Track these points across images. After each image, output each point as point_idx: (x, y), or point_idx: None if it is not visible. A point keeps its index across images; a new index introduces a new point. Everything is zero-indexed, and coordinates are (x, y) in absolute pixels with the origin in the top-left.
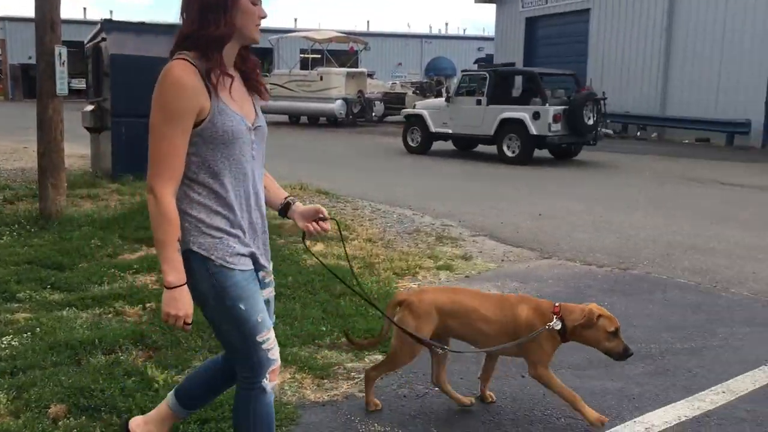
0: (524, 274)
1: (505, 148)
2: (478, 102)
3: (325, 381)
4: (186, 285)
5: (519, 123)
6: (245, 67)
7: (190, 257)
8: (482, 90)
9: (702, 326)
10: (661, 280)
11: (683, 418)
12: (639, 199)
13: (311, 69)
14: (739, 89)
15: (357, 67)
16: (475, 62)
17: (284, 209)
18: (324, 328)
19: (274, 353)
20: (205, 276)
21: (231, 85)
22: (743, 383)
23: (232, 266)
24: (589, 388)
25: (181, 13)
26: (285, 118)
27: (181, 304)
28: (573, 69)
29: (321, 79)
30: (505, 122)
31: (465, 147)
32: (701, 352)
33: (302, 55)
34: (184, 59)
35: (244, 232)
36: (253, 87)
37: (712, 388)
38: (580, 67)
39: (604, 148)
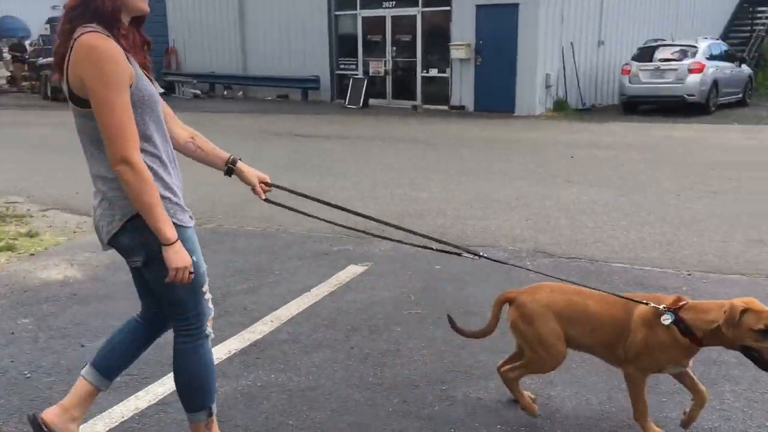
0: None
1: None
2: None
3: None
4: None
5: None
6: (135, 46)
7: (140, 220)
8: None
9: (261, 266)
10: (231, 231)
11: (234, 351)
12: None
13: None
14: (306, 48)
15: None
16: (47, 22)
17: (230, 169)
18: None
19: (210, 303)
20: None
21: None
22: (289, 310)
23: (182, 224)
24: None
25: None
26: None
27: (184, 255)
28: (157, 29)
29: None
30: None
31: None
32: (258, 289)
33: None
34: (95, 31)
35: (178, 190)
36: (144, 65)
37: (263, 319)
38: (162, 27)
39: (192, 109)
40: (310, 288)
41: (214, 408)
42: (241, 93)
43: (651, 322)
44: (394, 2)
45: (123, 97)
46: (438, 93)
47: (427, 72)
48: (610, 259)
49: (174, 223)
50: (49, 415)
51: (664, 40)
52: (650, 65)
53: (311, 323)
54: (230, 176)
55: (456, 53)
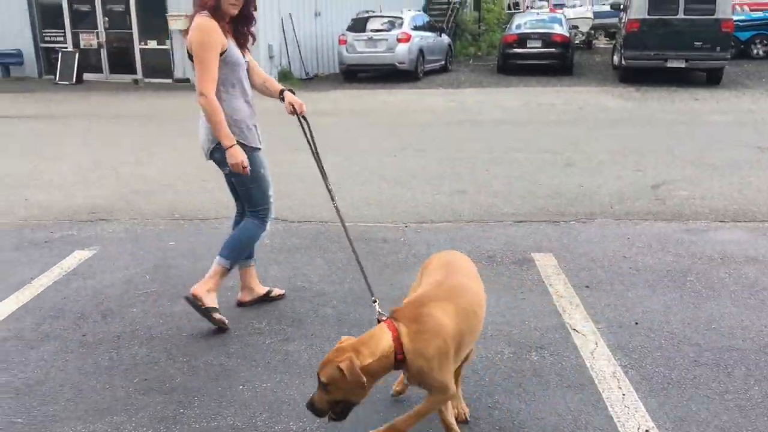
0: None
1: None
2: None
3: None
4: (237, 144)
5: None
6: (237, 33)
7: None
8: None
9: None
10: None
11: None
12: None
13: None
14: (2, 19)
15: None
16: None
17: (282, 97)
18: None
19: (273, 207)
20: (246, 155)
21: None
22: (8, 306)
23: (254, 145)
24: None
25: None
26: None
27: (240, 155)
28: None
29: None
30: None
31: None
32: None
33: None
34: (208, 16)
35: (255, 122)
36: (241, 44)
37: None
38: None
39: None
40: (30, 280)
41: (233, 269)
42: None
43: None
44: None
45: (210, 53)
46: (160, 66)
47: (146, 44)
48: (338, 219)
49: (246, 145)
50: (198, 291)
51: (374, 11)
52: (364, 35)
53: (35, 316)
54: (283, 100)
55: (175, 24)
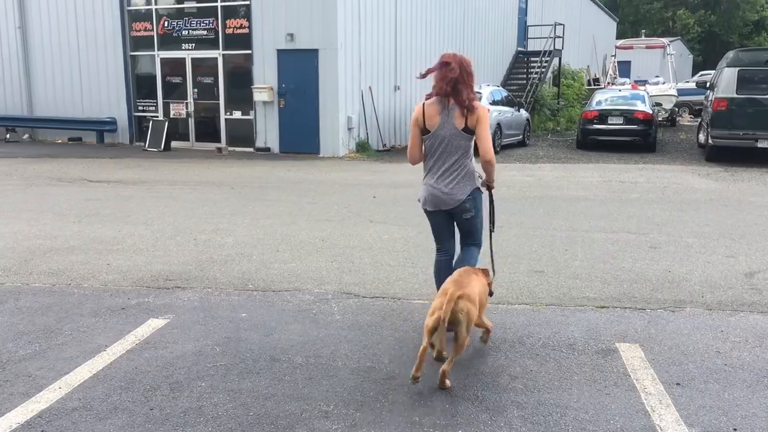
0: None
1: None
2: None
3: None
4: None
5: None
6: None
7: (475, 192)
8: None
9: (49, 327)
10: (15, 289)
11: (15, 426)
12: (2, 206)
13: None
14: (101, 89)
15: None
16: None
17: None
18: None
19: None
20: (480, 199)
21: None
22: (81, 373)
23: (481, 190)
24: None
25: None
26: None
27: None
28: None
29: None
30: None
31: None
32: (45, 353)
33: None
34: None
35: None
36: None
37: (50, 386)
38: None
39: None
40: (105, 347)
41: None
42: (27, 136)
43: None
44: (194, 44)
45: None
46: (243, 135)
47: (231, 114)
48: (410, 296)
49: (478, 188)
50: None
51: None
52: None
53: (106, 386)
54: None
55: (259, 96)
